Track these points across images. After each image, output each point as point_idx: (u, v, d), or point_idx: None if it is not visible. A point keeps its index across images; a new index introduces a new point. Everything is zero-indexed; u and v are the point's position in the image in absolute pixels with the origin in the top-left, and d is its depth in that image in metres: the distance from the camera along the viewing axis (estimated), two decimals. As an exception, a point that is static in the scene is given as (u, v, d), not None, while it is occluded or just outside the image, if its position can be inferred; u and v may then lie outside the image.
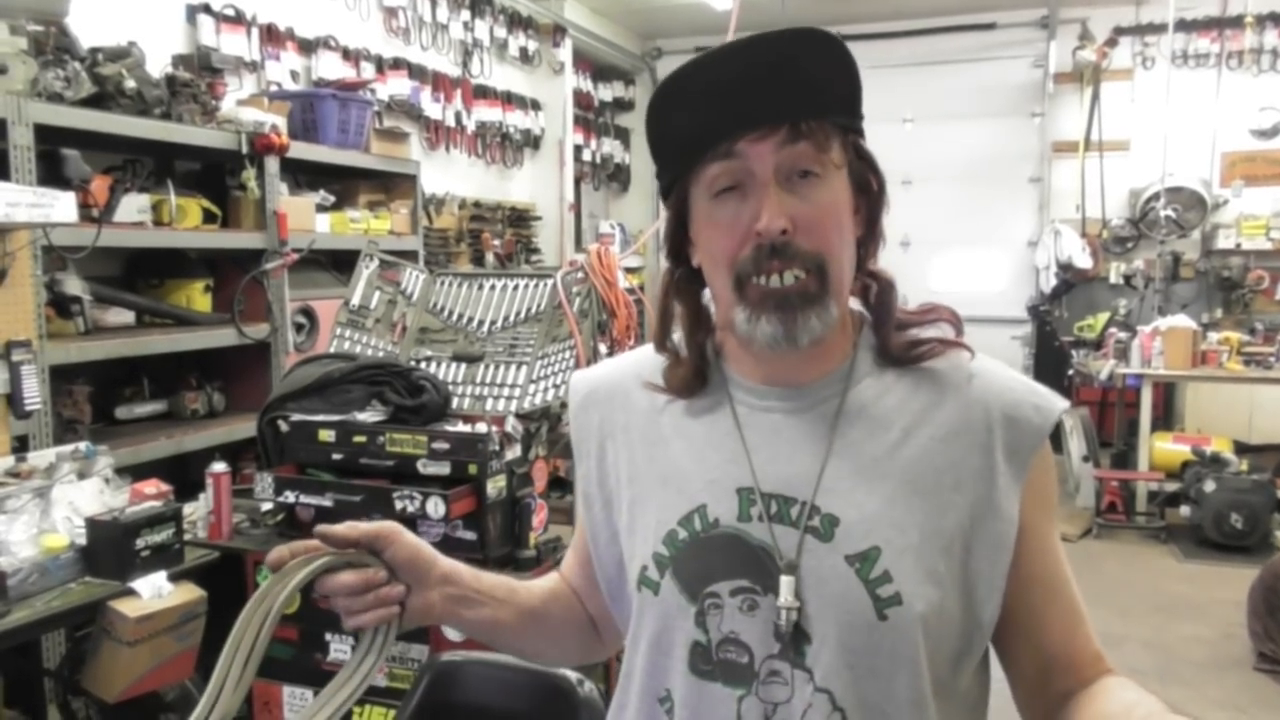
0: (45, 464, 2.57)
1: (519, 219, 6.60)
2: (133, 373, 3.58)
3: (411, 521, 2.55)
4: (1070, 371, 6.53)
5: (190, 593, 2.43)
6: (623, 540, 1.10)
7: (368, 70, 5.17)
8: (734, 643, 0.98)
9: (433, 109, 5.77)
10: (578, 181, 7.59)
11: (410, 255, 4.57)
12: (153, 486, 2.64)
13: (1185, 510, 5.63)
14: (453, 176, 6.02)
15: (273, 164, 3.78)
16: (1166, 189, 7.06)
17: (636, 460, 1.10)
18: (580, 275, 3.27)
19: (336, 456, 2.69)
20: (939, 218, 7.52)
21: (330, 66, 4.88)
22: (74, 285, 3.11)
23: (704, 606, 0.99)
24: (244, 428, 3.48)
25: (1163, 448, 6.19)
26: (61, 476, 2.51)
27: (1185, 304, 7.15)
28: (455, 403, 2.96)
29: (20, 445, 2.72)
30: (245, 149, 3.65)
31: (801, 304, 0.95)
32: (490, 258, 5.97)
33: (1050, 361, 6.89)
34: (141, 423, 3.55)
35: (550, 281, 3.22)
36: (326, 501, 2.63)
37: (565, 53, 7.02)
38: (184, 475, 3.25)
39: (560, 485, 3.58)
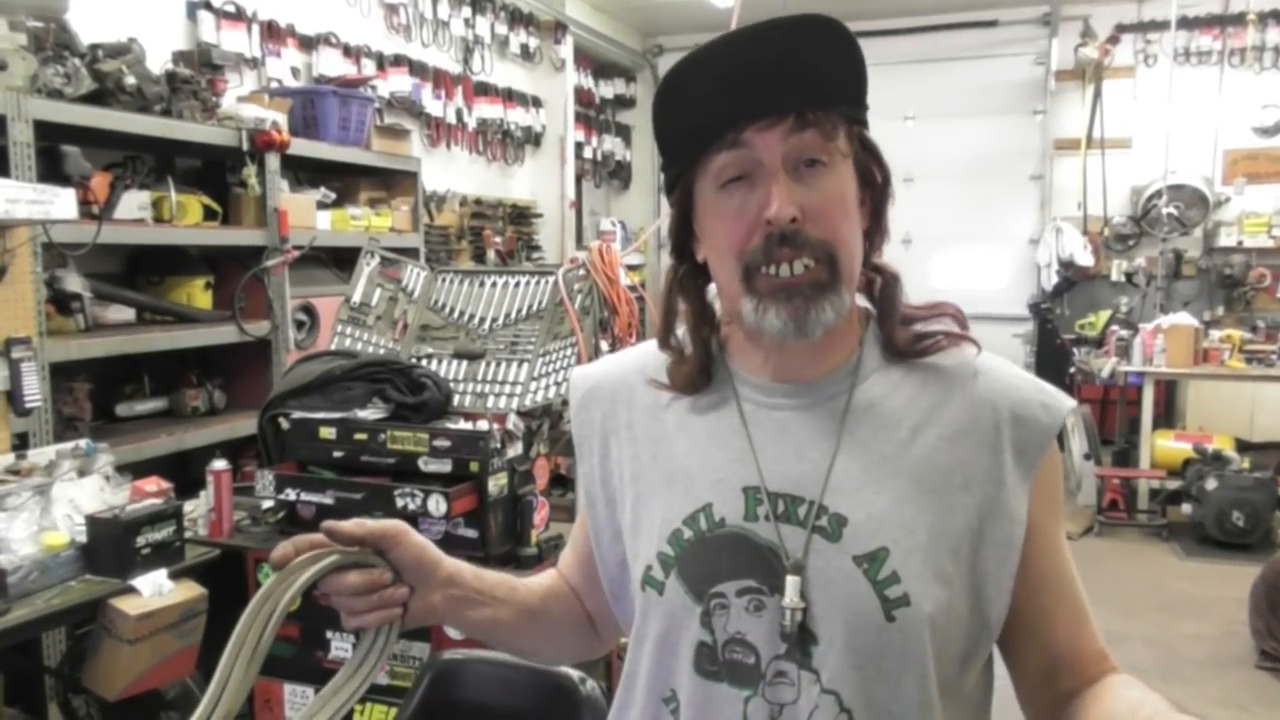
0: (45, 461, 2.56)
1: (520, 216, 6.59)
2: (133, 370, 3.58)
3: (413, 519, 2.55)
4: (1072, 369, 6.53)
5: (191, 590, 2.43)
6: (626, 539, 1.09)
7: (368, 67, 5.16)
8: (740, 643, 0.97)
9: (434, 106, 5.76)
10: (579, 179, 7.58)
11: (411, 252, 4.57)
12: (153, 484, 2.64)
13: (1187, 508, 5.63)
14: (454, 173, 6.01)
15: (273, 161, 3.77)
16: (1168, 186, 7.05)
17: (640, 458, 1.09)
18: (582, 272, 3.26)
19: (337, 454, 2.68)
20: (940, 215, 7.50)
21: (331, 63, 4.87)
22: (74, 282, 3.11)
23: (710, 607, 0.98)
24: (245, 425, 3.48)
25: (1164, 445, 6.18)
26: (62, 474, 2.50)
27: (1187, 302, 7.14)
28: (456, 400, 2.95)
29: (20, 443, 2.71)
30: (246, 146, 3.64)
31: (813, 294, 0.94)
32: (492, 255, 5.97)
33: (1052, 359, 6.88)
34: (142, 420, 3.54)
35: (552, 279, 3.22)
36: (327, 499, 2.63)
37: (566, 50, 7.01)
38: (184, 473, 3.25)
39: (561, 483, 3.58)
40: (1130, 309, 7.17)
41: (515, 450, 2.69)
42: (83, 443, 2.67)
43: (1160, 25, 7.24)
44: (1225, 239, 7.15)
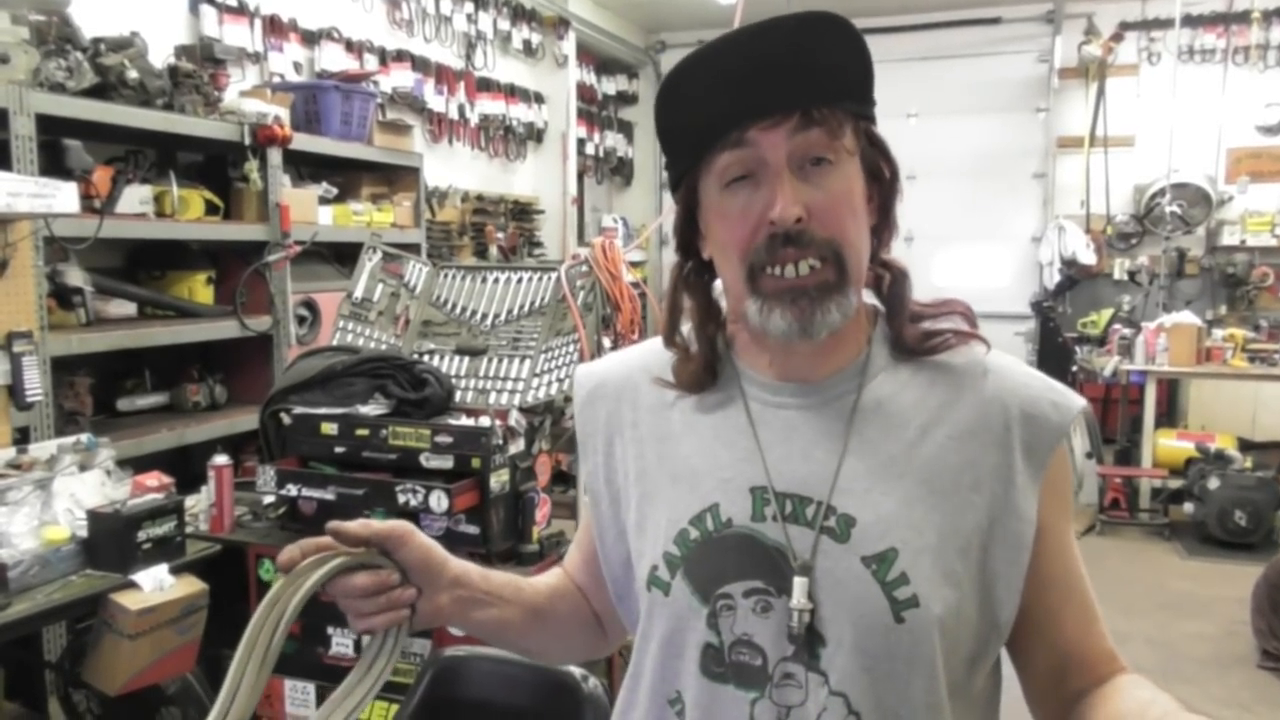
0: (46, 456, 2.56)
1: (521, 212, 6.58)
2: (134, 364, 3.57)
3: (414, 515, 2.54)
4: (1074, 368, 6.52)
5: (192, 585, 2.42)
6: (630, 538, 1.08)
7: (371, 62, 5.15)
8: (747, 645, 0.96)
9: (436, 101, 5.75)
10: (580, 175, 7.56)
11: (413, 248, 4.56)
12: (154, 479, 2.63)
13: (1189, 507, 5.63)
14: (455, 169, 6.00)
15: (275, 156, 3.77)
16: (1171, 185, 7.04)
17: (646, 457, 1.08)
18: (584, 269, 3.25)
19: (339, 450, 2.68)
20: (943, 213, 7.49)
21: (333, 58, 4.85)
22: (75, 276, 3.10)
23: (716, 608, 0.98)
24: (246, 420, 3.47)
25: (1166, 444, 6.18)
26: (63, 468, 2.50)
27: (1189, 300, 7.13)
28: (458, 396, 2.95)
29: (21, 437, 2.71)
30: (248, 140, 3.63)
31: (819, 295, 0.93)
32: (494, 251, 5.96)
33: (1054, 358, 6.87)
34: (143, 415, 3.53)
35: (554, 275, 3.21)
36: (329, 495, 2.63)
37: (569, 46, 6.99)
38: (186, 468, 3.24)
39: (563, 480, 3.57)
40: (1132, 308, 7.16)
41: (517, 447, 2.68)
42: (84, 437, 2.66)
43: (1164, 23, 7.22)
44: (1228, 238, 7.14)
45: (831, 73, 0.94)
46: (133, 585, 2.31)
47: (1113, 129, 7.43)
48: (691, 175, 0.99)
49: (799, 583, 0.94)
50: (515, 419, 2.74)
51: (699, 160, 0.97)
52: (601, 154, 7.99)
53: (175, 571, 2.41)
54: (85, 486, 2.49)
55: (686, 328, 1.08)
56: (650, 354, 1.13)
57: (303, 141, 3.97)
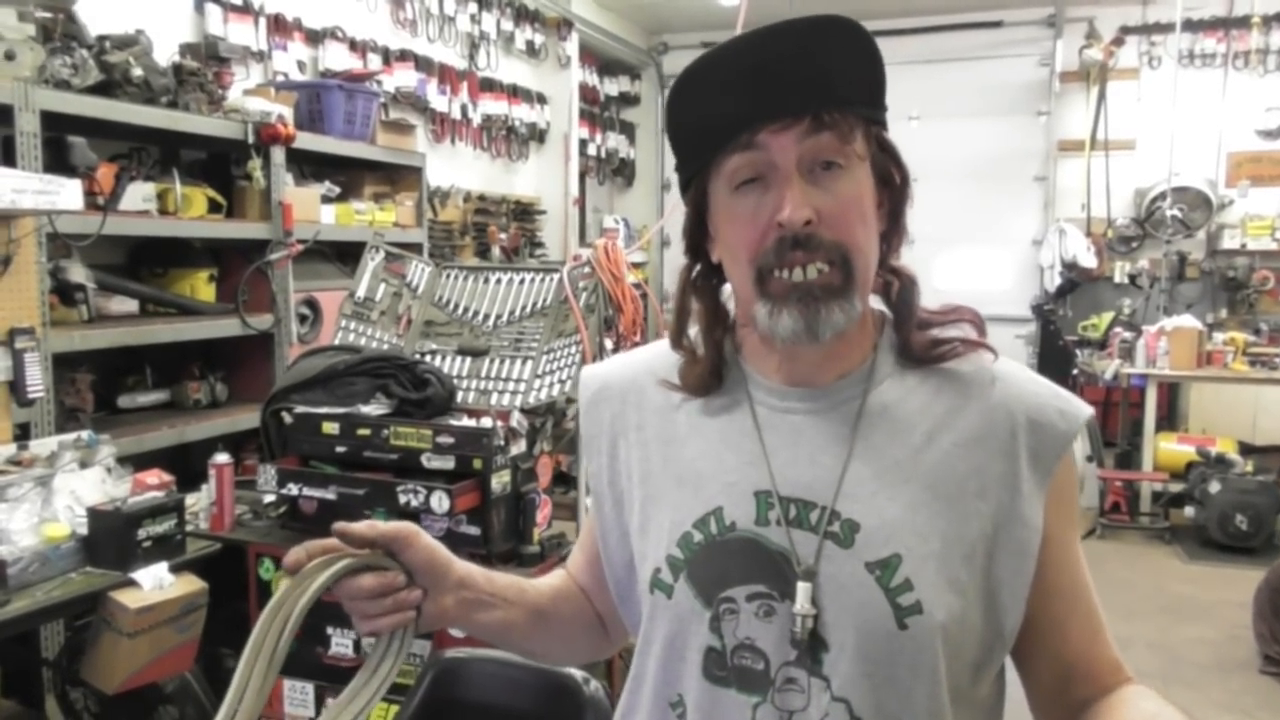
0: (47, 452, 2.56)
1: (523, 213, 6.58)
2: (136, 362, 3.57)
3: (415, 516, 2.54)
4: (1075, 371, 6.52)
5: (191, 584, 2.42)
6: (634, 541, 1.08)
7: (374, 61, 5.15)
8: (749, 649, 0.96)
9: (439, 101, 5.75)
10: (582, 176, 7.56)
11: (415, 248, 4.56)
12: (155, 476, 2.63)
13: (1190, 511, 5.62)
14: (458, 169, 6.00)
15: (278, 154, 3.76)
16: (1172, 189, 7.04)
17: (650, 459, 1.08)
18: (587, 270, 3.25)
19: (340, 449, 2.68)
20: (944, 216, 7.47)
21: (337, 57, 4.86)
22: (78, 273, 3.10)
23: (719, 611, 0.97)
24: (247, 418, 3.47)
25: (1167, 448, 6.18)
26: (63, 465, 2.50)
27: (1190, 304, 7.13)
28: (460, 397, 2.94)
29: (22, 433, 2.70)
30: (251, 139, 3.63)
31: (825, 297, 0.93)
32: (496, 251, 5.96)
33: (1054, 361, 6.87)
34: (144, 412, 3.53)
35: (556, 276, 3.21)
36: (330, 494, 2.62)
37: (571, 47, 6.99)
38: (186, 466, 3.24)
39: (564, 481, 3.57)
40: (1133, 311, 7.16)
41: (519, 448, 2.68)
42: (84, 434, 2.66)
43: (1165, 27, 7.22)
44: (1228, 241, 7.14)
45: (843, 77, 0.94)
46: (132, 583, 2.31)
47: (1113, 133, 7.43)
48: (701, 177, 0.99)
49: (802, 588, 0.94)
50: (517, 420, 2.74)
51: (709, 162, 0.96)
52: (603, 155, 7.99)
53: (175, 570, 2.40)
54: (85, 484, 2.49)
55: (694, 331, 1.08)
56: (657, 356, 1.13)
57: (306, 140, 3.97)
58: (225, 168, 3.82)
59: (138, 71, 3.17)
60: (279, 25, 4.53)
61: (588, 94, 7.61)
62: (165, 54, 3.55)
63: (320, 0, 4.82)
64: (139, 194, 3.28)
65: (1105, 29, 7.39)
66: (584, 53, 7.37)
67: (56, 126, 2.91)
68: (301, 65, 4.66)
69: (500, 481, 2.57)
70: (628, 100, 8.51)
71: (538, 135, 6.88)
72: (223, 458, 2.77)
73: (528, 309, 3.20)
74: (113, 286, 3.39)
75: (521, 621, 1.13)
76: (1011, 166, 7.79)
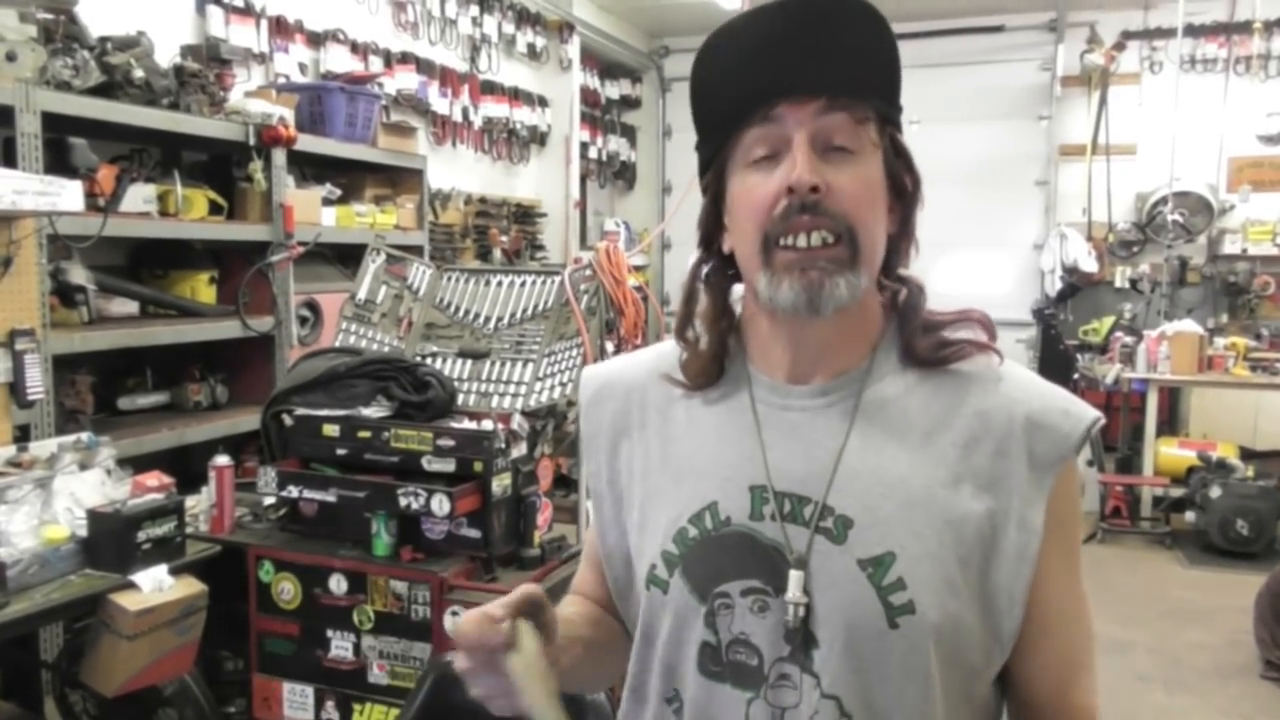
0: (47, 454, 2.55)
1: (524, 215, 6.58)
2: (136, 363, 3.56)
3: (415, 518, 2.54)
4: (1075, 375, 6.51)
5: (191, 586, 2.41)
6: (632, 537, 1.08)
7: (376, 64, 5.15)
8: (744, 644, 0.96)
9: (440, 104, 5.75)
10: (583, 179, 7.56)
11: (416, 250, 4.55)
12: (155, 479, 2.62)
13: (1190, 516, 5.62)
14: (459, 172, 6.00)
15: (280, 156, 3.76)
16: (1173, 193, 7.04)
17: (651, 456, 1.08)
18: (588, 273, 3.25)
19: (341, 452, 2.67)
20: (945, 220, 7.46)
21: (339, 60, 4.85)
22: (78, 274, 3.10)
23: (714, 606, 0.97)
24: (247, 421, 3.47)
25: (1168, 453, 6.18)
26: (63, 467, 2.49)
27: (1191, 309, 7.12)
28: (461, 399, 2.94)
29: (22, 435, 2.70)
30: (252, 141, 3.63)
31: (829, 268, 0.93)
32: (497, 254, 5.95)
33: (1055, 365, 6.86)
34: (144, 414, 3.53)
35: (557, 278, 3.20)
36: (330, 497, 2.62)
37: (573, 49, 6.99)
38: (186, 468, 3.24)
39: (565, 484, 3.56)
40: (1134, 315, 7.15)
41: (519, 450, 2.68)
42: (84, 436, 2.66)
43: (1166, 32, 7.21)
44: (1229, 246, 7.13)
45: (862, 66, 0.94)
46: (132, 585, 2.30)
47: (1115, 137, 7.43)
48: (720, 158, 0.99)
49: (794, 576, 0.93)
50: (518, 422, 2.74)
51: (728, 137, 0.97)
52: (604, 158, 7.99)
53: (175, 572, 2.40)
54: (85, 485, 2.48)
55: (699, 324, 1.08)
56: (659, 357, 1.13)
57: (307, 142, 3.97)
58: (226, 170, 3.81)
59: (139, 73, 3.17)
60: (280, 27, 4.53)
61: (589, 97, 7.61)
62: (166, 55, 3.55)
63: (322, 2, 4.83)
64: (140, 195, 3.28)
65: (1107, 34, 7.39)
66: (585, 56, 7.37)
67: (57, 128, 2.91)
68: (303, 67, 4.66)
69: (501, 484, 2.57)
70: (629, 103, 8.51)
71: (539, 138, 6.88)
72: (223, 460, 2.76)
73: (529, 312, 3.19)
74: (113, 288, 3.38)
75: (586, 660, 1.08)
76: (1013, 171, 7.78)
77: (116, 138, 3.36)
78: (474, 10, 6.03)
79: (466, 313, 3.26)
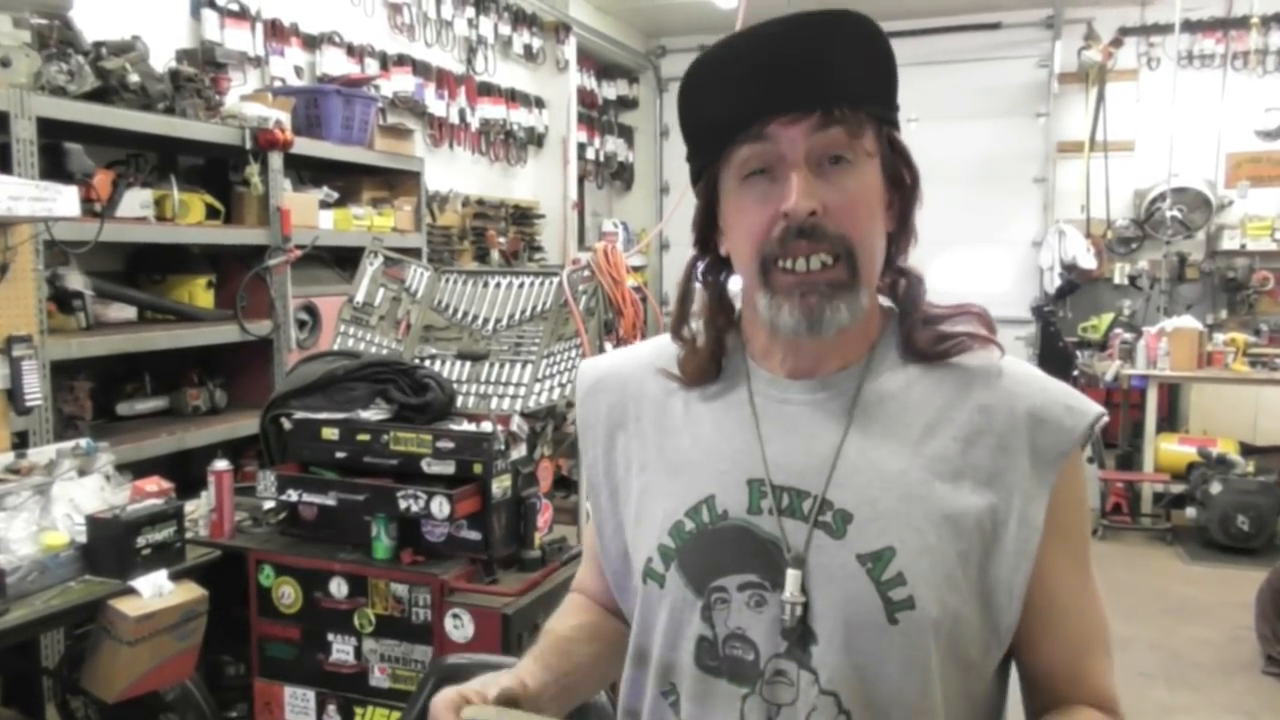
0: (45, 460, 2.55)
1: (522, 217, 6.57)
2: (134, 369, 3.56)
3: (415, 521, 2.53)
4: (1075, 372, 6.51)
5: (191, 592, 2.41)
6: (628, 531, 1.08)
7: (372, 66, 5.14)
8: (740, 639, 0.96)
9: (437, 106, 5.74)
10: (581, 180, 7.56)
11: (414, 252, 4.55)
12: (154, 484, 2.62)
13: (1191, 512, 5.62)
14: (456, 174, 5.99)
15: (276, 160, 3.76)
16: (1171, 189, 7.03)
17: (647, 449, 1.07)
18: (586, 273, 3.24)
19: (340, 455, 2.67)
20: (943, 218, 7.41)
21: (334, 62, 4.85)
22: (76, 280, 3.09)
23: (710, 601, 0.97)
24: (246, 425, 3.46)
25: (1168, 449, 6.17)
26: (62, 473, 2.48)
27: (1190, 305, 7.12)
28: (460, 401, 2.93)
29: (20, 441, 2.69)
30: (249, 144, 3.62)
31: (829, 293, 0.93)
32: (495, 255, 5.95)
33: (1055, 363, 6.86)
34: (143, 419, 3.52)
35: (556, 279, 3.20)
36: (329, 500, 2.61)
37: (569, 50, 6.99)
38: (185, 472, 3.23)
39: (565, 485, 3.56)
40: (1133, 312, 7.16)
41: (519, 452, 2.67)
42: (83, 442, 2.65)
43: (1163, 28, 7.22)
44: (1228, 242, 7.13)
45: (855, 73, 0.94)
46: (132, 591, 2.30)
47: (1113, 134, 7.43)
48: (712, 169, 0.98)
49: (791, 575, 0.93)
50: (517, 424, 2.73)
51: (719, 153, 0.96)
52: (602, 159, 7.99)
53: (174, 577, 2.39)
54: (84, 491, 2.48)
55: (696, 322, 1.08)
56: (657, 350, 1.13)
57: (304, 145, 3.96)
58: (223, 173, 3.81)
59: (134, 78, 3.16)
60: (276, 30, 4.53)
61: (586, 98, 7.61)
62: (162, 60, 3.54)
63: (318, 5, 4.82)
64: (136, 200, 3.27)
65: (1104, 30, 7.40)
66: (582, 56, 7.37)
67: (53, 133, 2.90)
68: (299, 70, 4.66)
69: (501, 486, 2.56)
70: (626, 104, 8.51)
71: (536, 139, 6.88)
72: (222, 464, 2.76)
73: (527, 313, 3.19)
74: (111, 293, 3.38)
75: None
76: (1010, 168, 7.78)
77: (112, 143, 3.35)
78: (470, 12, 6.03)
79: (465, 314, 3.25)
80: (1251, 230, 7.06)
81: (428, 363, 3.09)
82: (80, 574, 2.33)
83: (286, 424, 2.79)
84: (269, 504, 2.79)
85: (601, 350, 3.19)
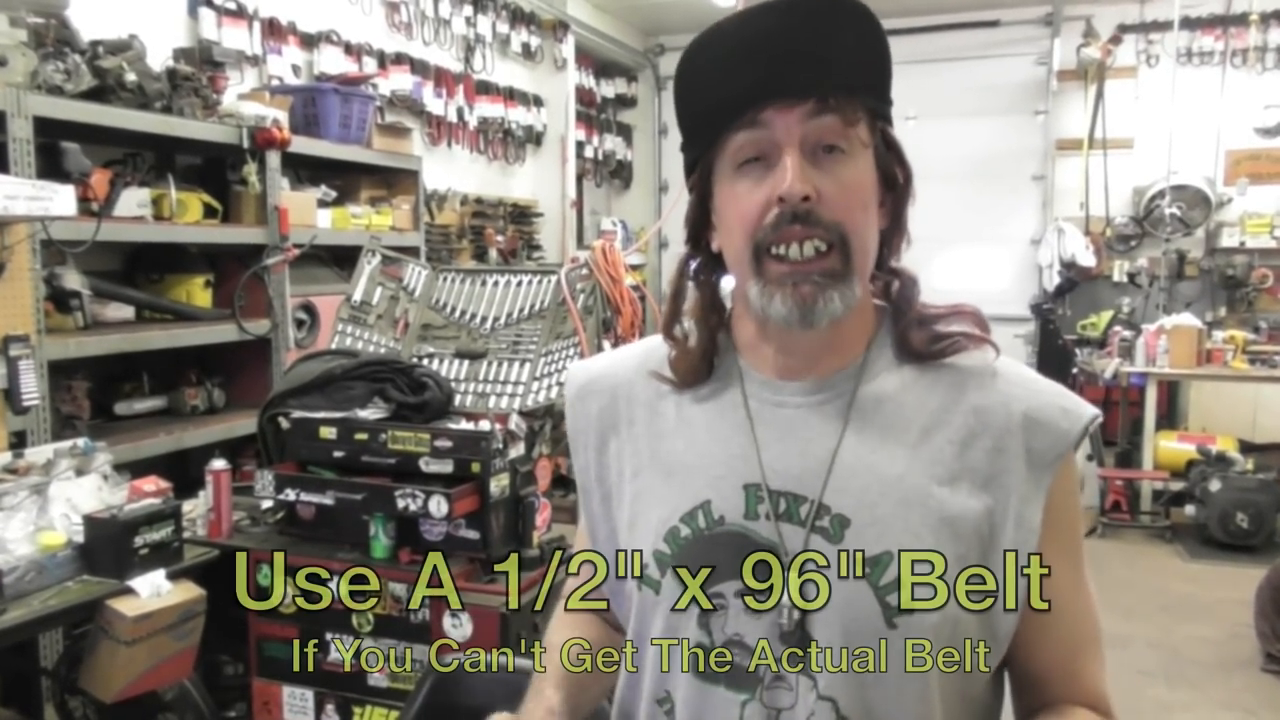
0: (43, 460, 2.54)
1: (520, 215, 6.57)
2: (132, 368, 3.56)
3: (414, 520, 2.53)
4: (1074, 370, 6.51)
5: (189, 591, 2.40)
6: (622, 535, 1.07)
7: (370, 65, 5.14)
8: (738, 645, 0.95)
9: (435, 104, 5.74)
10: (579, 178, 7.55)
11: (412, 251, 4.55)
12: (152, 483, 2.62)
13: (1190, 509, 5.61)
14: (454, 172, 5.99)
15: (274, 159, 3.75)
16: (1170, 187, 7.04)
17: (640, 453, 1.06)
18: (584, 272, 3.24)
19: (338, 454, 2.66)
20: (942, 216, 7.44)
21: (332, 61, 4.85)
22: (73, 280, 3.09)
23: (707, 607, 0.96)
24: (244, 424, 3.46)
25: (1167, 446, 6.17)
26: (59, 473, 2.48)
27: (1189, 302, 7.12)
28: (458, 400, 2.93)
29: (18, 441, 2.69)
30: (246, 143, 3.62)
31: (823, 282, 0.91)
32: (493, 254, 5.95)
33: (1054, 360, 6.86)
34: (141, 419, 3.52)
35: (554, 278, 3.20)
36: (327, 499, 2.61)
37: (568, 49, 6.99)
38: (183, 472, 3.23)
39: (564, 484, 3.56)
40: (1132, 310, 7.15)
41: (517, 451, 2.67)
42: (81, 441, 2.65)
43: (1162, 26, 7.22)
44: (1227, 239, 7.13)
45: (851, 62, 0.93)
46: (129, 591, 2.29)
47: (1112, 131, 7.42)
48: (706, 158, 0.97)
49: (789, 580, 0.93)
50: (515, 423, 2.73)
51: (714, 141, 0.95)
52: (600, 157, 7.98)
53: (172, 577, 2.39)
54: (82, 491, 2.48)
55: (687, 322, 1.06)
56: (647, 352, 1.12)
57: (301, 144, 3.96)
58: (221, 172, 3.81)
59: (131, 77, 3.16)
60: (273, 29, 4.53)
61: (584, 96, 7.61)
62: (159, 59, 3.54)
63: (315, 4, 4.82)
64: (134, 200, 3.27)
65: (1103, 27, 7.40)
66: (580, 55, 7.37)
67: (49, 132, 2.90)
68: (296, 69, 4.66)
69: (499, 485, 2.56)
70: (624, 102, 8.50)
71: (534, 138, 6.87)
72: (220, 464, 2.75)
73: (525, 311, 3.18)
74: (108, 293, 3.37)
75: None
76: (1009, 166, 7.78)
77: (110, 142, 3.35)
78: (468, 10, 6.02)
79: (463, 313, 3.25)
80: (1251, 227, 7.06)
81: (426, 361, 3.09)
82: (78, 574, 2.32)
83: (284, 423, 2.79)
84: (267, 503, 2.79)
85: (599, 348, 3.18)
